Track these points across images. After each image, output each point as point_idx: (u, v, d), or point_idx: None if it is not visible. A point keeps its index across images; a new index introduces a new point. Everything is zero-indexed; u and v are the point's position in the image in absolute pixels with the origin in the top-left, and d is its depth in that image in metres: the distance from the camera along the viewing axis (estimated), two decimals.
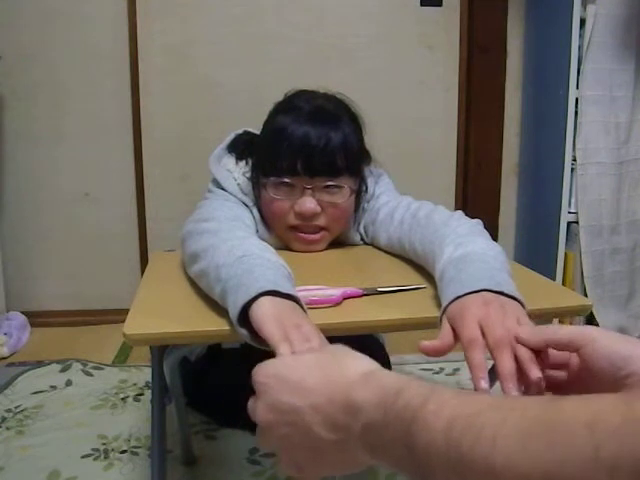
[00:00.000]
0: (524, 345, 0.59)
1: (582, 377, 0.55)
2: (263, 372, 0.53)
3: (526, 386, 0.58)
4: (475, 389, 0.59)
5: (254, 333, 0.66)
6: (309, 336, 0.63)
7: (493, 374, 0.61)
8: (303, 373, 0.51)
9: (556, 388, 0.58)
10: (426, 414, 0.40)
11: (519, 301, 0.70)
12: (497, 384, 0.60)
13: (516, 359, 0.59)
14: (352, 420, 0.45)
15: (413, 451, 0.40)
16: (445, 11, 2.11)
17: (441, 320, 0.71)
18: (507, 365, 0.59)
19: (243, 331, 0.68)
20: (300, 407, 0.48)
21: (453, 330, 0.67)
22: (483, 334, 0.63)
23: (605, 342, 0.52)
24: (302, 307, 0.70)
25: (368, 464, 0.47)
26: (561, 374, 0.58)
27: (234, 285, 0.71)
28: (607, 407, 0.35)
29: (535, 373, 0.57)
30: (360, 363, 0.50)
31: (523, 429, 0.36)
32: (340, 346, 0.54)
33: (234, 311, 0.69)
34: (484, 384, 0.58)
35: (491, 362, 0.61)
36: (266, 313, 0.66)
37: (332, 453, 0.48)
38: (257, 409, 0.52)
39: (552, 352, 0.58)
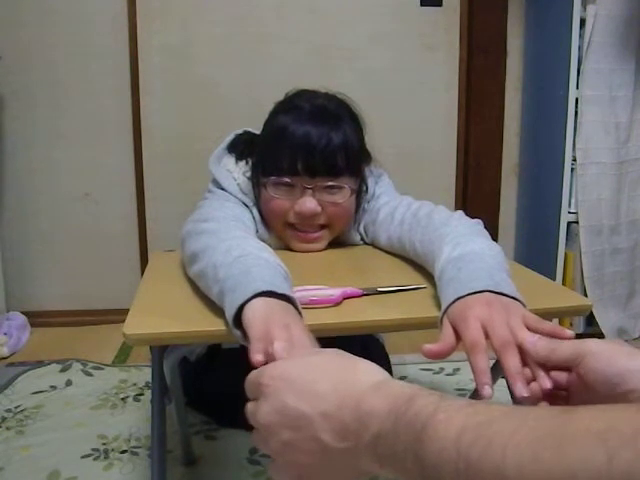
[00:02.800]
0: (529, 354, 0.59)
1: (577, 391, 0.55)
2: (269, 374, 0.52)
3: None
4: (478, 394, 0.58)
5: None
6: (296, 337, 0.62)
7: (495, 372, 0.61)
8: (312, 377, 0.49)
9: (551, 400, 0.57)
10: (436, 423, 0.40)
11: (520, 301, 0.70)
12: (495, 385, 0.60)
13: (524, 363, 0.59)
14: (362, 428, 0.44)
15: (423, 460, 0.40)
16: (445, 11, 2.11)
17: (442, 321, 0.70)
18: (514, 364, 0.59)
19: (238, 332, 0.68)
20: (308, 413, 0.47)
21: (455, 331, 0.67)
22: (486, 335, 0.63)
23: (601, 356, 0.51)
24: (297, 308, 0.70)
25: (373, 474, 0.47)
26: (561, 392, 0.57)
27: (231, 285, 0.71)
28: (620, 417, 0.34)
29: (546, 383, 0.56)
30: (371, 371, 0.50)
31: (534, 439, 0.35)
32: (340, 351, 0.53)
33: (230, 312, 0.69)
34: (488, 390, 0.58)
35: (491, 361, 0.61)
36: (256, 314, 0.66)
37: (338, 461, 0.47)
38: (260, 411, 0.50)
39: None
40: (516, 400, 0.56)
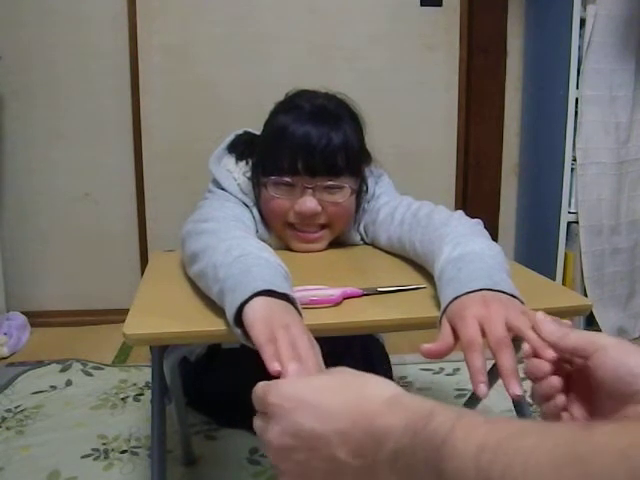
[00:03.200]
0: (542, 337, 0.57)
1: (582, 387, 0.54)
2: (278, 393, 0.51)
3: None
4: (474, 392, 0.58)
5: (248, 334, 0.66)
6: (296, 338, 0.63)
7: (493, 374, 0.61)
8: (323, 396, 0.48)
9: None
10: (455, 440, 0.39)
11: (518, 299, 0.70)
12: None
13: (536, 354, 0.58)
14: (378, 446, 0.44)
15: (442, 477, 0.39)
16: (445, 11, 2.11)
17: (441, 321, 0.70)
18: (509, 364, 0.59)
19: (238, 331, 0.68)
20: (323, 433, 0.46)
21: (453, 330, 0.67)
22: (483, 333, 0.63)
23: (614, 353, 0.50)
24: (297, 307, 0.70)
25: None
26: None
27: (231, 285, 0.71)
28: None
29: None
30: (382, 386, 0.49)
31: (555, 457, 0.34)
32: (348, 369, 0.52)
33: (230, 311, 0.69)
34: (484, 389, 0.58)
35: (491, 362, 0.61)
36: (256, 314, 0.66)
37: (355, 478, 0.46)
38: (271, 432, 0.49)
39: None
40: (512, 399, 0.56)
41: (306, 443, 0.47)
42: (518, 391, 0.56)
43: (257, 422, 0.52)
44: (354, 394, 0.48)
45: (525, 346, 0.58)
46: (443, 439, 0.40)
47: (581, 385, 0.54)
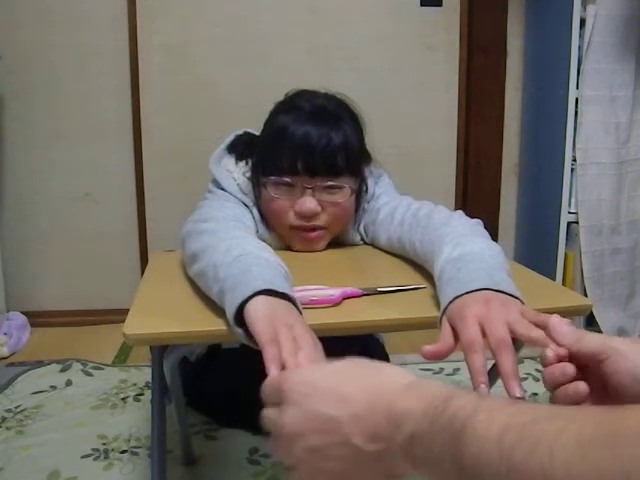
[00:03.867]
0: (557, 341, 0.56)
1: (599, 391, 0.53)
2: (293, 379, 0.50)
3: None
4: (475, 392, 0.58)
5: (249, 333, 0.66)
6: (299, 337, 0.63)
7: (493, 374, 0.60)
8: (339, 381, 0.48)
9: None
10: (476, 423, 0.39)
11: (518, 299, 0.70)
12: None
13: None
14: (395, 430, 0.43)
15: (461, 462, 0.39)
16: (445, 11, 2.11)
17: (441, 321, 0.70)
18: (509, 365, 0.59)
19: (239, 331, 0.68)
20: (338, 416, 0.46)
21: (453, 330, 0.67)
22: (484, 333, 0.63)
23: (631, 356, 0.49)
24: (297, 307, 0.70)
25: (406, 476, 0.45)
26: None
27: (231, 284, 0.71)
28: None
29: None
30: (400, 373, 0.48)
31: (583, 438, 0.34)
32: (363, 359, 0.52)
33: (230, 310, 0.69)
34: (484, 390, 0.58)
35: (491, 361, 0.61)
36: (259, 313, 0.66)
37: (368, 465, 0.45)
38: (284, 417, 0.49)
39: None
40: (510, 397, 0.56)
41: (319, 426, 0.46)
42: (518, 393, 0.56)
43: (269, 412, 0.51)
44: (371, 379, 0.48)
45: (549, 352, 0.56)
46: (463, 423, 0.39)
47: (598, 389, 0.53)
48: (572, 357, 0.55)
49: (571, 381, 0.54)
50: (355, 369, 0.50)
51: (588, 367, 0.54)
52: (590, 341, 0.53)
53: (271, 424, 0.51)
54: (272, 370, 0.58)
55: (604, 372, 0.51)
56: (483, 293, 0.69)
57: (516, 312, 0.65)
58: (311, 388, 0.48)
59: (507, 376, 0.58)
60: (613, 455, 0.32)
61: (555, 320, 0.59)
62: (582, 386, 0.53)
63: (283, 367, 0.58)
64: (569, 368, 0.55)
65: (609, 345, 0.51)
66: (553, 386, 0.55)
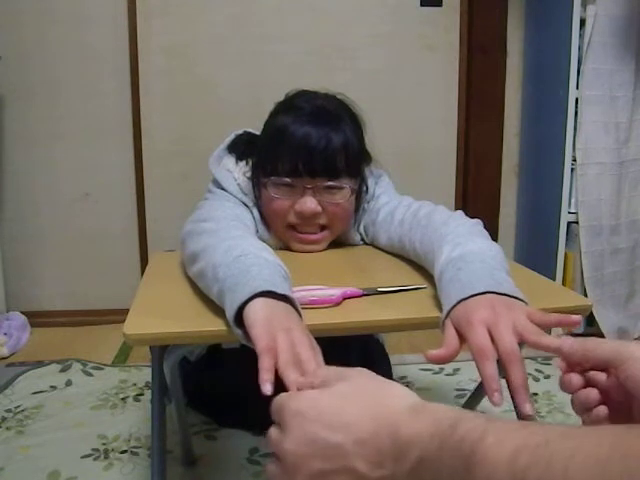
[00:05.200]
0: (565, 358, 0.55)
1: (612, 397, 0.52)
2: (293, 405, 0.49)
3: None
4: (489, 400, 0.58)
5: (249, 334, 0.66)
6: (297, 341, 0.63)
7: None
8: (342, 405, 0.47)
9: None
10: (486, 447, 0.38)
11: (521, 300, 0.70)
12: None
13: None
14: (402, 455, 0.42)
15: None
16: (445, 11, 2.11)
17: (444, 322, 0.70)
18: (519, 377, 0.58)
19: (239, 331, 0.68)
20: (341, 442, 0.44)
21: (458, 333, 0.67)
22: (492, 339, 0.63)
23: None
24: (297, 308, 0.70)
25: None
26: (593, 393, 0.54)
27: (231, 285, 0.71)
28: None
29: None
30: (403, 394, 0.47)
31: (599, 458, 0.33)
32: (366, 371, 0.51)
33: (230, 311, 0.69)
34: (498, 397, 0.57)
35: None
36: (257, 316, 0.66)
37: None
38: (286, 441, 0.48)
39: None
40: (519, 415, 0.55)
41: (321, 452, 0.45)
42: (529, 410, 0.55)
43: (273, 434, 0.51)
44: (374, 402, 0.46)
45: (560, 364, 0.56)
46: (472, 446, 0.39)
47: (617, 396, 0.53)
48: (588, 366, 0.54)
49: (581, 388, 0.54)
50: (358, 391, 0.48)
51: (609, 374, 0.53)
52: (603, 349, 0.52)
53: (273, 446, 0.50)
54: (265, 380, 0.57)
55: (619, 377, 0.50)
56: (488, 297, 0.68)
57: (523, 316, 0.65)
58: (313, 412, 0.47)
59: (517, 390, 0.57)
60: (630, 475, 0.32)
61: (557, 343, 0.57)
62: (592, 393, 0.53)
63: (277, 374, 0.58)
64: (575, 379, 0.54)
65: (622, 351, 0.50)
66: (582, 412, 0.54)
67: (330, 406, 0.47)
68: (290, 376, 0.58)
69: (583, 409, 0.54)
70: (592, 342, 0.54)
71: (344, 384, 0.50)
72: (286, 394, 0.52)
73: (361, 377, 0.50)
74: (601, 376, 0.54)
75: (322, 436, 0.46)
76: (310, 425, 0.47)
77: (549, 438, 0.36)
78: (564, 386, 0.55)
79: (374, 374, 0.51)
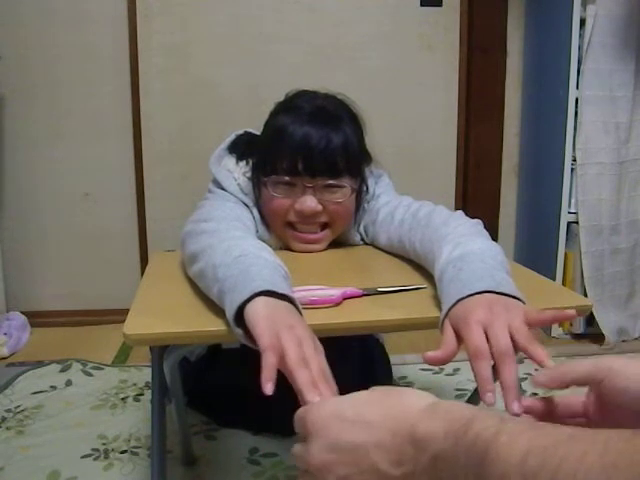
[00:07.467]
0: (548, 386, 0.56)
1: (597, 412, 0.53)
2: (315, 413, 0.51)
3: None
4: (481, 400, 0.58)
5: (249, 333, 0.66)
6: (301, 338, 0.63)
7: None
8: (360, 409, 0.48)
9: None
10: (499, 446, 0.39)
11: (520, 300, 0.70)
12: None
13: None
14: (419, 452, 0.44)
15: None
16: (445, 11, 2.11)
17: (443, 323, 0.70)
18: (510, 379, 0.59)
19: (239, 331, 0.68)
20: (363, 444, 0.46)
21: (456, 333, 0.67)
22: (487, 339, 0.63)
23: (624, 374, 0.49)
24: (297, 308, 0.70)
25: None
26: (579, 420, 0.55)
27: (230, 285, 0.71)
28: None
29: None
30: (419, 395, 0.49)
31: (608, 462, 0.33)
32: (384, 387, 0.52)
33: (230, 311, 0.69)
34: (491, 397, 0.58)
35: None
36: (259, 313, 0.66)
37: None
38: (310, 451, 0.49)
39: (567, 402, 0.56)
40: (509, 412, 0.56)
41: (346, 457, 0.47)
42: (517, 409, 0.56)
43: (297, 449, 0.51)
44: (392, 404, 0.48)
45: (539, 378, 0.56)
46: (486, 445, 0.39)
47: (606, 408, 0.53)
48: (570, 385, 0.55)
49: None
50: (378, 395, 0.50)
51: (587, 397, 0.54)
52: (579, 368, 0.53)
53: (298, 459, 0.51)
54: (266, 379, 0.57)
55: (599, 393, 0.51)
56: (486, 296, 0.69)
57: (519, 317, 0.65)
58: (335, 419, 0.49)
59: (507, 389, 0.58)
60: (637, 478, 0.32)
61: (540, 357, 0.59)
62: (574, 402, 0.55)
63: (278, 370, 0.58)
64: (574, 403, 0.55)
65: (601, 366, 0.51)
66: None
67: (349, 412, 0.49)
68: (301, 376, 0.58)
69: (566, 418, 0.55)
70: (566, 366, 0.54)
71: (364, 392, 0.51)
72: (306, 407, 0.53)
73: (379, 388, 0.52)
74: (576, 402, 0.55)
75: (345, 439, 0.47)
76: (332, 430, 0.48)
77: (558, 441, 0.37)
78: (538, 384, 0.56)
79: (391, 386, 0.52)
